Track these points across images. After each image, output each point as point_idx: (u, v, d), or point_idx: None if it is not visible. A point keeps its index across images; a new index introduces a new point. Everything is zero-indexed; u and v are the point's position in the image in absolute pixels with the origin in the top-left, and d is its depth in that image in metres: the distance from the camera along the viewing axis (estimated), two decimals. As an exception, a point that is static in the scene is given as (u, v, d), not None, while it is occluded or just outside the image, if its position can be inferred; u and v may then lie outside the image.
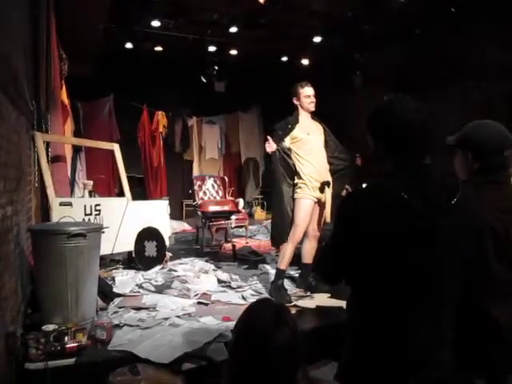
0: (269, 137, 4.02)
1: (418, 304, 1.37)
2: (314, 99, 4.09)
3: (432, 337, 1.38)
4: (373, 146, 1.51)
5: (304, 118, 4.12)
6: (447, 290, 1.40)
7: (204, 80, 9.83)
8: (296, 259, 4.29)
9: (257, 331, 1.32)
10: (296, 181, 4.06)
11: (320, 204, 4.10)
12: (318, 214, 4.14)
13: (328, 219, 4.10)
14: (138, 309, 3.65)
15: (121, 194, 5.85)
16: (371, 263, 1.38)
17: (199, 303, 3.87)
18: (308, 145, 4.05)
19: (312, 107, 4.10)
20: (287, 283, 4.30)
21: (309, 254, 4.22)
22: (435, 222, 1.34)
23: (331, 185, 4.11)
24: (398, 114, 1.42)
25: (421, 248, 1.35)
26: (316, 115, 4.25)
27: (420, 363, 1.37)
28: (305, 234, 4.16)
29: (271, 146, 3.93)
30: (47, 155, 4.41)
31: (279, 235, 4.09)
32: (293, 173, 4.05)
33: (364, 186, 1.49)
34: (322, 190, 4.05)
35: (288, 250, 4.02)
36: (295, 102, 4.12)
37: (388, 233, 1.34)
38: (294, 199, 4.06)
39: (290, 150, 4.05)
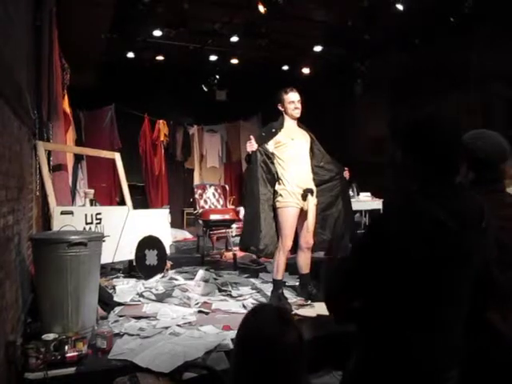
0: (251, 136, 3.99)
1: (440, 319, 1.36)
2: (298, 105, 4.03)
3: (449, 352, 1.38)
4: (401, 159, 1.46)
5: (289, 124, 4.07)
6: (464, 302, 1.40)
7: (205, 89, 9.86)
8: (295, 268, 4.29)
9: (263, 333, 1.31)
10: (276, 187, 3.98)
11: (302, 213, 4.01)
12: (304, 224, 4.03)
13: (311, 229, 4.03)
14: (139, 318, 3.64)
15: (122, 202, 5.87)
16: (400, 285, 1.34)
17: (200, 312, 3.86)
18: (292, 150, 4.00)
19: (296, 113, 4.04)
20: (288, 292, 4.29)
21: (305, 264, 4.18)
22: (471, 244, 1.33)
23: (315, 194, 4.06)
24: (439, 130, 1.39)
25: (456, 269, 1.34)
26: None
27: (435, 378, 1.37)
28: (298, 247, 4.13)
29: (252, 145, 3.90)
30: (49, 164, 4.43)
31: (248, 237, 4.02)
32: (274, 179, 3.99)
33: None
34: (304, 197, 3.96)
35: (280, 260, 3.97)
36: (280, 108, 4.08)
37: (425, 256, 1.31)
38: (275, 208, 3.98)
39: (273, 154, 4.00)
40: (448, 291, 1.36)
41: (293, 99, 4.02)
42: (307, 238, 4.09)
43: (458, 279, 1.36)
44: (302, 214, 4.01)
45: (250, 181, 4.04)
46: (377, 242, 1.37)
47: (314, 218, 4.04)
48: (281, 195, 3.96)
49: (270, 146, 4.01)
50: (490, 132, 1.78)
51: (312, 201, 4.01)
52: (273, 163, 4.00)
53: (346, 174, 4.26)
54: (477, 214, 1.35)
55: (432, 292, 1.34)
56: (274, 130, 4.03)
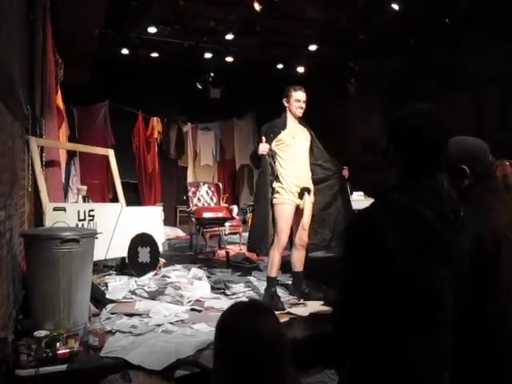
0: (263, 138, 3.97)
1: (429, 329, 1.34)
2: (303, 105, 4.05)
3: (441, 353, 1.35)
4: (386, 153, 1.44)
5: (291, 121, 4.08)
6: (450, 312, 1.38)
7: (199, 86, 9.84)
8: (288, 266, 4.30)
9: (238, 324, 1.34)
10: (274, 184, 3.99)
11: (299, 211, 4.02)
12: (299, 222, 4.04)
13: (306, 227, 4.03)
14: (131, 315, 3.63)
15: (115, 199, 5.84)
16: (390, 288, 1.30)
17: (192, 310, 3.85)
18: (292, 149, 4.00)
19: (299, 113, 4.06)
20: (281, 291, 4.29)
21: (298, 262, 4.19)
22: (451, 241, 1.34)
23: (312, 192, 4.07)
24: (421, 126, 1.36)
25: (440, 267, 1.33)
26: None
27: (429, 380, 1.35)
28: (292, 244, 4.14)
29: (265, 149, 3.91)
30: (41, 160, 4.39)
31: (258, 239, 4.02)
32: (274, 177, 4.01)
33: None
34: (301, 195, 3.98)
35: (275, 257, 3.98)
36: (285, 103, 4.08)
37: (410, 253, 1.29)
38: (272, 205, 3.98)
39: (273, 152, 4.00)
40: (433, 291, 1.33)
41: (299, 98, 4.03)
42: (302, 236, 4.10)
43: (441, 277, 1.34)
44: (298, 212, 4.02)
45: (260, 184, 4.05)
46: (369, 253, 1.32)
47: (310, 216, 4.06)
48: (278, 192, 3.97)
49: (272, 143, 4.01)
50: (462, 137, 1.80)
51: (308, 199, 4.03)
52: (274, 161, 4.01)
53: (345, 173, 4.24)
54: (452, 214, 1.36)
55: (418, 293, 1.31)
56: (277, 129, 4.03)
